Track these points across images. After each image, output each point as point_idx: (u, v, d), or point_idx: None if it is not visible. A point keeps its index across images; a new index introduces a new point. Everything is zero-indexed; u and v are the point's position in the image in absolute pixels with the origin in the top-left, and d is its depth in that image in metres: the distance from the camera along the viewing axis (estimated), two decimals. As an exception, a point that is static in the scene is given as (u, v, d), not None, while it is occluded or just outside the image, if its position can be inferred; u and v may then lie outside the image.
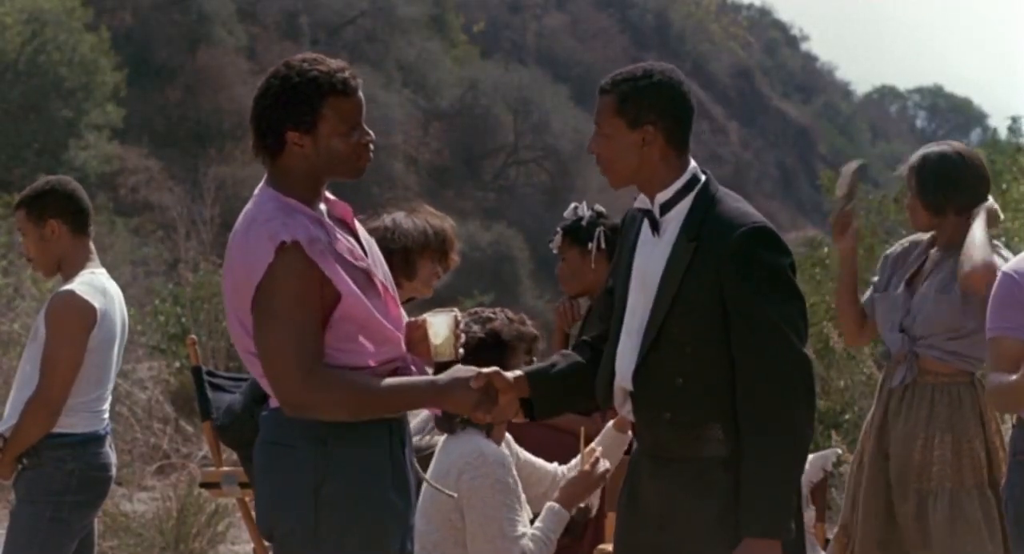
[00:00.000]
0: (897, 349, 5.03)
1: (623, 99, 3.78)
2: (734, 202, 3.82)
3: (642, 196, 3.87)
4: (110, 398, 5.25)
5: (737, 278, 3.69)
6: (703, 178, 3.83)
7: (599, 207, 5.69)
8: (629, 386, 3.81)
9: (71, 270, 5.16)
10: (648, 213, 3.85)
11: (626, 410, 3.88)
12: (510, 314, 4.50)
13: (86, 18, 30.22)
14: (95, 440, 5.13)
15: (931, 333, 4.98)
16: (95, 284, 5.12)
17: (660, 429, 3.77)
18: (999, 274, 4.43)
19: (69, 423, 5.06)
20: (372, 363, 3.62)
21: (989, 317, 4.37)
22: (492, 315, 4.47)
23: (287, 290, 3.49)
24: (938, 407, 4.97)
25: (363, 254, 3.67)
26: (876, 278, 5.25)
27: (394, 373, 3.65)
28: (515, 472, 4.32)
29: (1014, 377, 4.13)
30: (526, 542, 4.26)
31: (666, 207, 3.82)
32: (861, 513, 5.05)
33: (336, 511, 3.57)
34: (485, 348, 4.37)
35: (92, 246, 5.23)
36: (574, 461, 4.71)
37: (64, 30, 28.87)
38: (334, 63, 3.63)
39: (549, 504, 4.40)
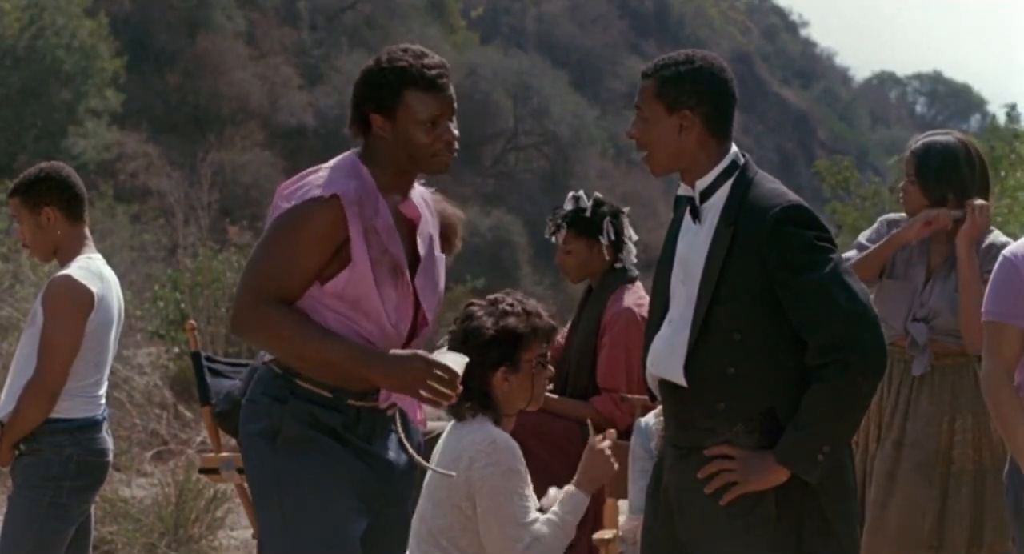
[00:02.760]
0: (924, 339, 5.03)
1: (663, 83, 3.79)
2: (769, 184, 3.81)
3: (684, 184, 3.86)
4: (107, 383, 5.24)
5: (776, 257, 3.68)
6: (742, 162, 3.83)
7: (598, 195, 5.68)
8: (676, 379, 3.79)
9: (67, 256, 5.15)
10: (689, 200, 3.84)
11: (663, 400, 3.88)
12: (528, 306, 4.41)
13: (85, 4, 30.17)
14: (92, 425, 5.12)
15: (953, 327, 5.00)
16: (92, 269, 5.12)
17: (714, 420, 3.74)
18: (1000, 257, 4.44)
19: (66, 408, 5.05)
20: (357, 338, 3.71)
21: (987, 300, 4.38)
22: (509, 307, 4.40)
23: (292, 228, 3.63)
24: (962, 387, 5.00)
25: (401, 246, 3.73)
26: (865, 236, 5.19)
27: None
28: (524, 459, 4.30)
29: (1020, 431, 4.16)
30: (538, 527, 4.25)
31: (706, 194, 3.81)
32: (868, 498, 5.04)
33: (292, 452, 3.71)
34: (496, 344, 4.33)
35: (87, 231, 5.23)
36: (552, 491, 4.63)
37: (63, 15, 28.81)
38: (429, 59, 3.73)
39: (567, 488, 4.37)
